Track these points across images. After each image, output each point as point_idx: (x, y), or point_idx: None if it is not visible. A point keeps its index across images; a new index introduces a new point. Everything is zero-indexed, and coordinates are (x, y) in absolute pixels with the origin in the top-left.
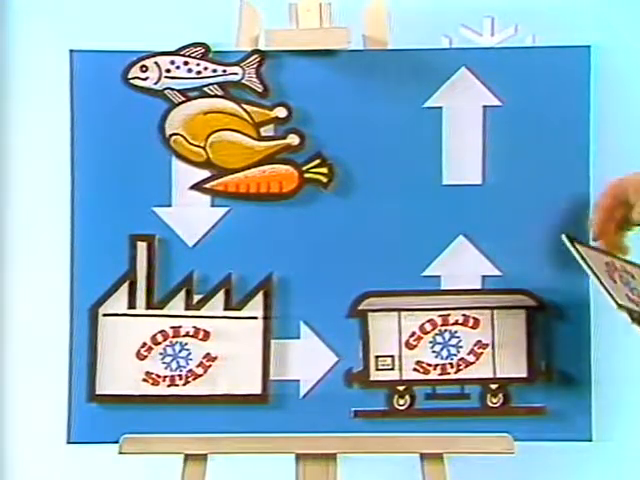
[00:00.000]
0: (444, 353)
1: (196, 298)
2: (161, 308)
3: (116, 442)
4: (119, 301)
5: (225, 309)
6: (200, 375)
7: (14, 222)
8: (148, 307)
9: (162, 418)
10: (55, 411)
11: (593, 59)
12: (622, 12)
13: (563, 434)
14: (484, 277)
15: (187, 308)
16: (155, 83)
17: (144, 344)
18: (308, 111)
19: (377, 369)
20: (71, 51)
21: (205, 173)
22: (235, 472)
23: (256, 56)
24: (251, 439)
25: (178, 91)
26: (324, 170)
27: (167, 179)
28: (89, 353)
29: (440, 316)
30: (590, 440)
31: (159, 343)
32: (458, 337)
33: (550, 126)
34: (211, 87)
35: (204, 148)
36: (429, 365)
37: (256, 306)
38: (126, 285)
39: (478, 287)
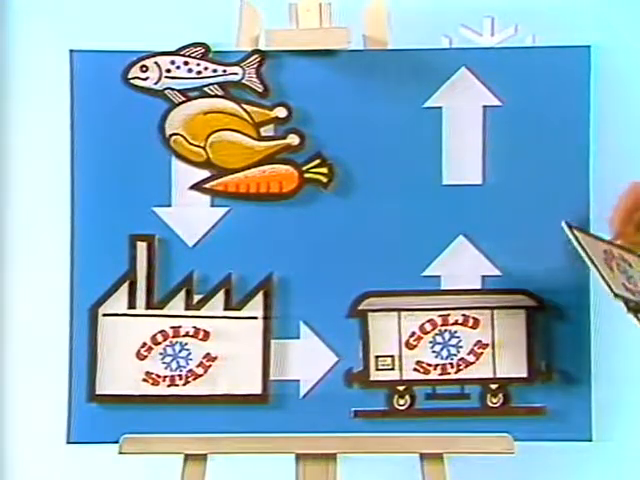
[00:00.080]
0: (444, 353)
1: (196, 298)
2: (161, 308)
3: (116, 442)
4: (119, 301)
5: (225, 309)
6: (200, 375)
7: (14, 222)
8: (148, 307)
9: (162, 418)
10: (55, 411)
11: (593, 59)
12: (622, 12)
13: (563, 434)
14: (484, 277)
15: (187, 308)
16: (155, 83)
17: (144, 344)
18: (308, 111)
19: (377, 369)
20: (71, 51)
21: (205, 173)
22: (235, 472)
23: (256, 56)
24: (251, 439)
25: (178, 91)
26: (324, 170)
27: (167, 179)
28: (89, 353)
29: (440, 316)
30: (590, 440)
31: (159, 343)
32: (458, 337)
33: (550, 126)
34: (211, 87)
35: (204, 148)
36: (429, 365)
37: (256, 306)
38: (126, 285)
39: (478, 287)
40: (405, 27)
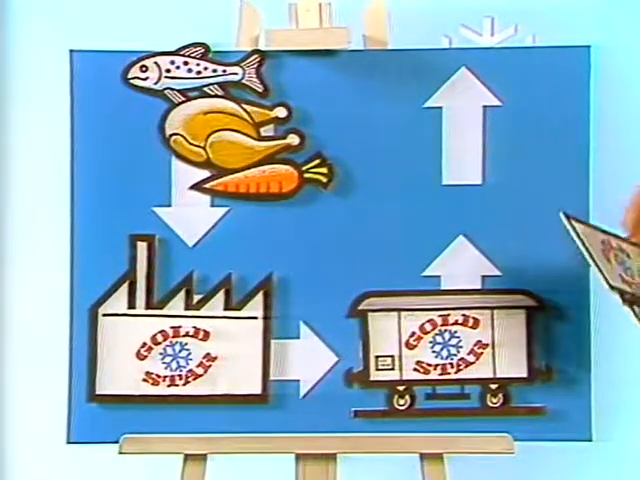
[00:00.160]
0: (444, 353)
1: (196, 298)
2: (161, 308)
3: (116, 442)
4: (119, 301)
5: (225, 309)
6: (200, 375)
7: (14, 222)
8: (148, 307)
9: (162, 418)
10: (55, 411)
11: (593, 59)
12: (622, 12)
13: (563, 434)
14: (484, 277)
15: (187, 308)
16: (155, 83)
17: (144, 344)
18: (308, 111)
19: (377, 369)
20: (71, 51)
21: (205, 173)
22: (235, 472)
23: (256, 56)
24: (251, 439)
25: (178, 91)
26: (324, 170)
27: (167, 179)
28: (89, 353)
29: (440, 316)
30: (590, 440)
31: (159, 343)
32: (458, 337)
33: (550, 126)
34: (211, 87)
35: (204, 148)
36: (429, 365)
37: (256, 306)
38: (126, 285)
39: (478, 287)
40: (405, 27)
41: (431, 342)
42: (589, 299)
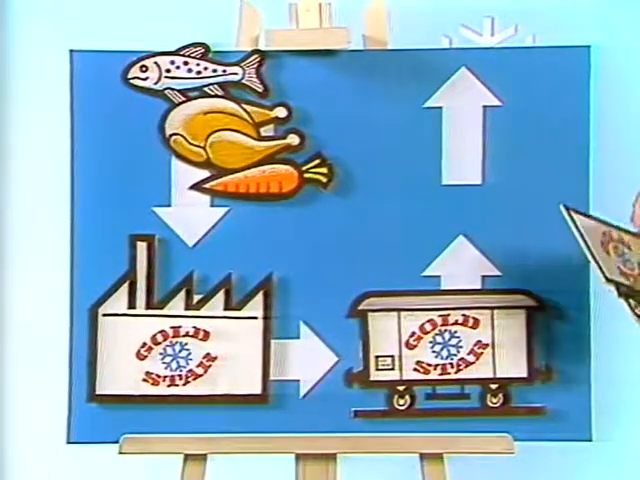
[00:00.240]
0: (444, 353)
1: (196, 298)
2: (161, 308)
3: (116, 442)
4: (119, 301)
5: (225, 309)
6: (200, 375)
7: (14, 222)
8: (148, 307)
9: (162, 418)
10: (55, 411)
11: (593, 59)
12: (622, 12)
13: (563, 434)
14: (484, 277)
15: (187, 308)
16: (155, 83)
17: (144, 344)
18: (308, 111)
19: (377, 369)
20: (71, 51)
21: (205, 173)
22: (235, 472)
23: (256, 56)
24: (251, 439)
25: (178, 91)
26: (324, 170)
27: (167, 179)
28: (89, 353)
29: (440, 316)
30: (590, 440)
31: (159, 343)
32: (458, 337)
33: (550, 126)
34: (211, 87)
35: (204, 148)
36: (429, 365)
37: (256, 306)
38: (126, 285)
39: (478, 287)
40: (405, 27)
41: (431, 342)
42: (589, 299)
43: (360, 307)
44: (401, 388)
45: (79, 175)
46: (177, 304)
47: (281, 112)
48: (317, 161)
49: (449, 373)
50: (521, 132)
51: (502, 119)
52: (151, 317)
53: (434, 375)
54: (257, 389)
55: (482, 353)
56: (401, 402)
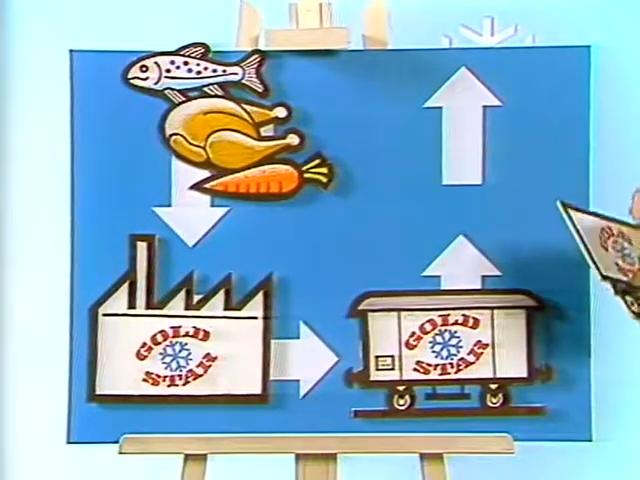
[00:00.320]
0: (444, 353)
1: (196, 298)
2: (161, 308)
3: (116, 442)
4: (119, 301)
5: (225, 309)
6: (200, 375)
7: (14, 222)
8: (148, 307)
9: (162, 418)
10: (55, 411)
11: (593, 59)
12: (622, 12)
13: (563, 434)
14: (484, 277)
15: (187, 308)
16: (155, 83)
17: (144, 344)
18: (308, 111)
19: (377, 369)
20: (71, 51)
21: (205, 173)
22: (235, 472)
23: (256, 56)
24: (251, 439)
25: (178, 91)
26: (324, 170)
27: (167, 179)
28: (89, 353)
29: (440, 316)
30: (590, 440)
31: (159, 343)
32: (458, 337)
33: (550, 126)
34: (211, 87)
35: (204, 148)
36: (429, 365)
37: (256, 306)
38: (126, 285)
39: (478, 287)
40: (405, 27)
41: (431, 342)
42: (589, 299)
43: (360, 307)
44: (401, 388)
45: (79, 175)
46: (177, 304)
47: (281, 112)
48: (317, 161)
49: (449, 373)
50: (521, 132)
51: (502, 119)
52: (151, 317)
53: (434, 375)
54: (257, 389)
55: (482, 353)
56: (401, 402)
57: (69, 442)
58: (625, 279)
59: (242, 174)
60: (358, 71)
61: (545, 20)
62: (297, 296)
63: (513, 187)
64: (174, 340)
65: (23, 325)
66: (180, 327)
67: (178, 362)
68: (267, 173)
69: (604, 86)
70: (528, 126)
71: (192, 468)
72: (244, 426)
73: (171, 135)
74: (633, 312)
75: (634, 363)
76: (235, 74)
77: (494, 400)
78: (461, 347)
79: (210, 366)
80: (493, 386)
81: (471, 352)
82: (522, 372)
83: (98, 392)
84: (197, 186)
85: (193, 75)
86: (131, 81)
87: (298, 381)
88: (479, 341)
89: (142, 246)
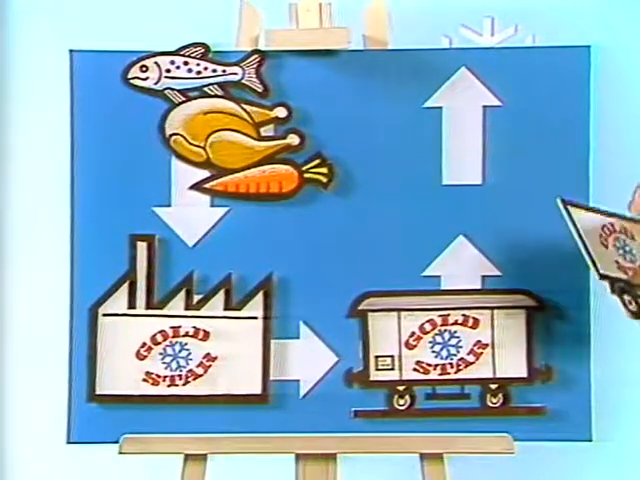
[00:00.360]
0: (444, 353)
1: (196, 298)
2: (161, 308)
3: (116, 442)
4: (119, 301)
5: (225, 309)
6: (200, 375)
7: (14, 222)
8: (148, 307)
9: (162, 418)
10: (55, 411)
11: (593, 59)
12: (622, 12)
13: (563, 434)
14: (484, 277)
15: (187, 308)
16: (155, 83)
17: (144, 344)
18: (308, 111)
19: (377, 369)
20: (71, 51)
21: (205, 173)
22: (235, 472)
23: (256, 56)
24: (251, 439)
25: (178, 91)
26: (324, 170)
27: (167, 179)
28: (89, 353)
29: (440, 316)
30: (590, 440)
31: (159, 343)
32: (458, 337)
33: (550, 126)
34: (211, 87)
35: (204, 148)
36: (429, 365)
37: (256, 306)
38: (126, 285)
39: (478, 287)
40: (405, 27)
41: (431, 342)
42: (589, 299)
43: (360, 307)
44: (401, 388)
45: (79, 175)
46: (177, 304)
47: (281, 112)
48: (317, 161)
49: (449, 373)
50: (521, 132)
51: (502, 119)
52: (151, 317)
53: (434, 375)
54: (257, 389)
55: (482, 353)
56: (401, 402)
57: (69, 442)
58: (624, 277)
59: (242, 174)
60: (358, 71)
61: (545, 20)
62: (297, 296)
63: (513, 187)
64: (174, 340)
65: (23, 325)
66: (180, 327)
67: (178, 362)
68: (267, 173)
69: (604, 86)
70: (528, 126)
71: (192, 468)
72: (244, 426)
73: (171, 135)
74: (630, 311)
75: (634, 363)
76: (235, 74)
77: (494, 400)
78: (461, 347)
79: (210, 366)
80: (493, 386)
81: (471, 352)
82: (522, 372)
83: (98, 392)
84: (197, 186)
85: (193, 75)
86: (131, 81)
87: (298, 381)
88: (479, 341)
89: (142, 246)
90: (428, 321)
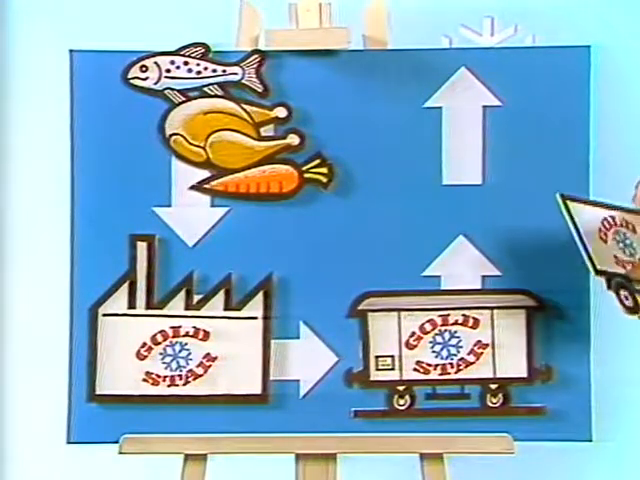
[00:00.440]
0: (444, 353)
1: (196, 298)
2: (161, 308)
3: (116, 442)
4: (119, 301)
5: (225, 309)
6: (200, 375)
7: (14, 222)
8: (148, 307)
9: (162, 418)
10: (55, 411)
11: (593, 59)
12: (622, 12)
13: (563, 434)
14: (484, 277)
15: (187, 308)
16: (155, 83)
17: (144, 344)
18: (308, 111)
19: (377, 369)
20: (71, 51)
21: (205, 173)
22: (235, 472)
23: (256, 56)
24: (251, 439)
25: (178, 91)
26: (324, 170)
27: (167, 179)
28: (89, 353)
29: (440, 316)
30: (590, 440)
31: (159, 343)
32: (458, 337)
33: (550, 126)
34: (211, 87)
35: (204, 148)
36: (429, 365)
37: (256, 306)
38: (126, 285)
39: (478, 287)
40: (405, 27)
41: (431, 342)
42: (589, 299)
43: (360, 307)
44: (401, 388)
45: (79, 175)
46: (177, 304)
47: (281, 112)
48: (317, 161)
49: (449, 373)
50: (521, 132)
51: (502, 119)
52: (151, 317)
53: (434, 375)
54: (257, 389)
55: (482, 353)
56: (401, 402)
57: (69, 442)
58: (622, 272)
59: (242, 174)
60: (358, 71)
61: (545, 20)
62: (297, 296)
63: (513, 187)
64: (174, 340)
65: (23, 325)
66: (180, 327)
67: (178, 362)
68: (267, 173)
69: (604, 86)
70: (528, 126)
71: (192, 468)
72: (244, 426)
73: (171, 135)
74: (626, 307)
75: (634, 363)
76: (235, 74)
77: (494, 400)
78: (461, 347)
79: (210, 366)
80: (493, 386)
81: (471, 352)
82: (522, 372)
83: (98, 392)
84: (197, 186)
85: (193, 75)
86: (131, 81)
87: (298, 381)
88: (479, 341)
89: (142, 246)
90: (428, 321)
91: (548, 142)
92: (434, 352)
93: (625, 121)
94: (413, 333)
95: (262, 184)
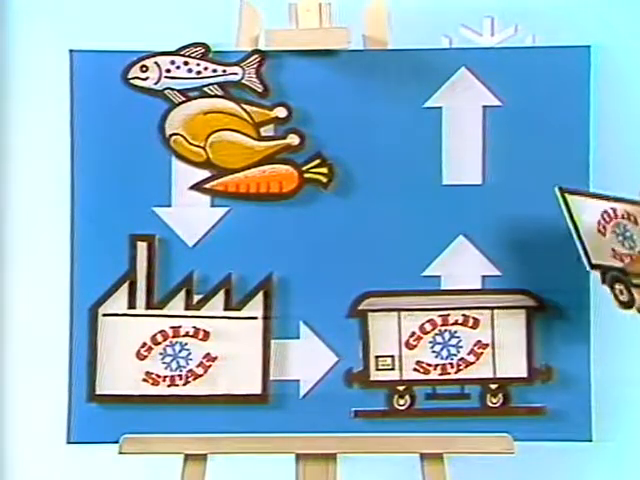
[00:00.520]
0: (444, 353)
1: (196, 298)
2: (161, 308)
3: (116, 442)
4: (119, 301)
5: (225, 309)
6: (200, 375)
7: (14, 222)
8: (148, 307)
9: (162, 418)
10: (55, 411)
11: (593, 59)
12: (622, 12)
13: (563, 434)
14: (484, 277)
15: (187, 308)
16: (155, 83)
17: (144, 344)
18: (308, 111)
19: (377, 369)
20: (71, 51)
21: (205, 173)
22: (235, 472)
23: (256, 56)
24: (251, 439)
25: (178, 91)
26: (324, 170)
27: (167, 179)
28: (89, 353)
29: (440, 316)
30: (590, 440)
31: (159, 343)
32: (458, 337)
33: (550, 126)
34: (211, 87)
35: (204, 148)
36: (429, 365)
37: (256, 306)
38: (126, 285)
39: (478, 287)
40: (405, 27)
41: (431, 342)
42: (589, 299)
43: (360, 307)
44: (401, 388)
45: (79, 175)
46: (177, 304)
47: (281, 112)
48: (317, 161)
49: (449, 373)
50: (521, 132)
51: (502, 119)
52: (151, 317)
53: (434, 375)
54: (257, 389)
55: (482, 353)
56: (401, 402)
57: (69, 442)
58: (619, 265)
59: (242, 174)
60: (358, 71)
61: (545, 20)
62: (297, 296)
63: (513, 187)
64: (174, 340)
65: (23, 325)
66: (180, 327)
67: (178, 362)
68: (267, 173)
69: (604, 86)
70: (528, 126)
71: (192, 468)
72: (244, 426)
73: (171, 135)
74: (620, 302)
75: (634, 363)
76: (235, 74)
77: (494, 400)
78: (461, 347)
79: (210, 366)
80: (493, 386)
81: (471, 352)
82: (522, 372)
83: (98, 392)
84: (197, 186)
85: (193, 75)
86: (131, 81)
87: (298, 381)
88: (479, 341)
89: (142, 246)
90: (428, 321)
91: (548, 142)
92: (434, 352)
93: (625, 121)
94: (413, 333)
95: (262, 184)
